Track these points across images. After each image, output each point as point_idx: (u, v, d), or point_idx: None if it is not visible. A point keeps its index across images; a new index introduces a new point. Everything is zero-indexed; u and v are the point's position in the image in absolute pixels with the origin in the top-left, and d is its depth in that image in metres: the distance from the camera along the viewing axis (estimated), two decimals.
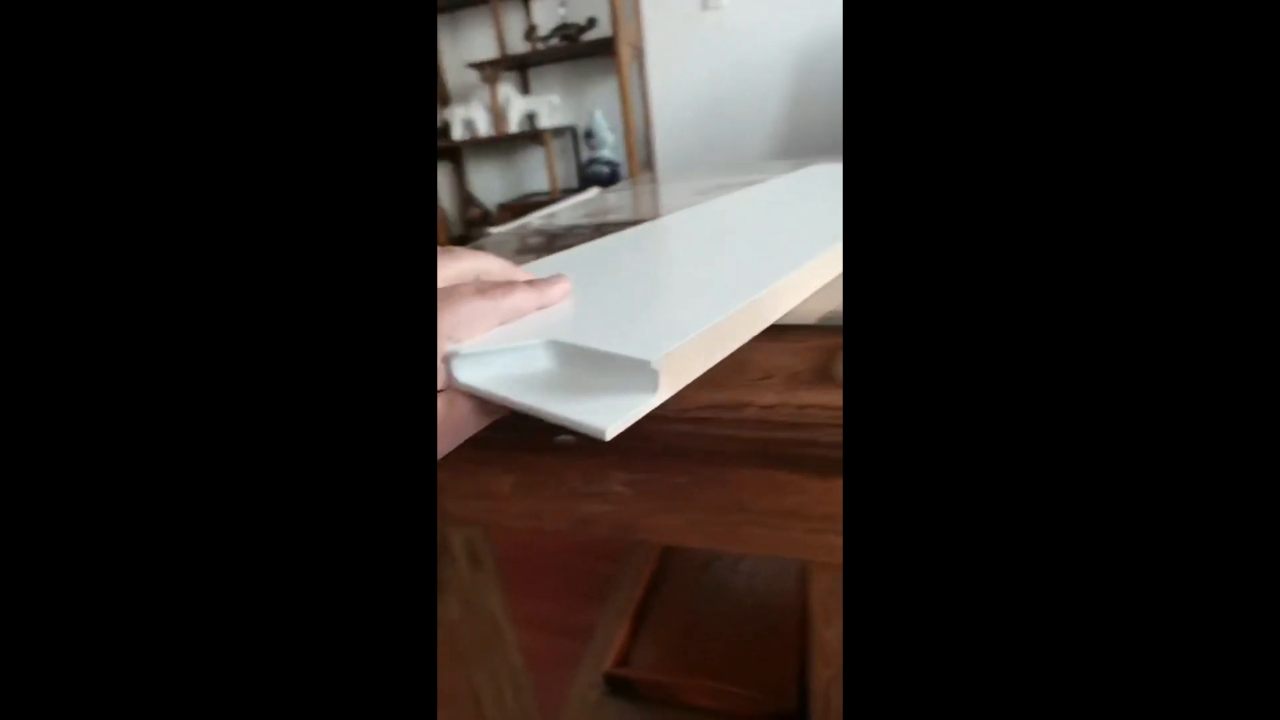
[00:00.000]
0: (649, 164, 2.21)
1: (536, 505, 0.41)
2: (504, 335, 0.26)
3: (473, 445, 0.36)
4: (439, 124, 2.33)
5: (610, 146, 2.18)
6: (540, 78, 2.29)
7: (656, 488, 0.37)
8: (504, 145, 2.36)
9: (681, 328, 0.22)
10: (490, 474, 0.41)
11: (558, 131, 2.23)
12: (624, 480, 0.37)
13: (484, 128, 2.22)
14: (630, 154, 2.15)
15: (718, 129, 2.07)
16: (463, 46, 2.30)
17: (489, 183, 2.48)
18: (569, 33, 2.07)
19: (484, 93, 2.23)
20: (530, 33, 2.13)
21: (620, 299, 0.28)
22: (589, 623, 0.88)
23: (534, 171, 2.40)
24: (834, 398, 0.30)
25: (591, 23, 2.08)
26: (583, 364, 0.23)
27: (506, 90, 2.20)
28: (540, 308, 0.28)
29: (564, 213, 0.77)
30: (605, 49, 2.03)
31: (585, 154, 2.26)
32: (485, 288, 0.26)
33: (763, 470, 0.33)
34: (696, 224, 0.43)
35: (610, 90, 2.19)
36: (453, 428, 0.25)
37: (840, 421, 0.30)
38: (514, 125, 2.18)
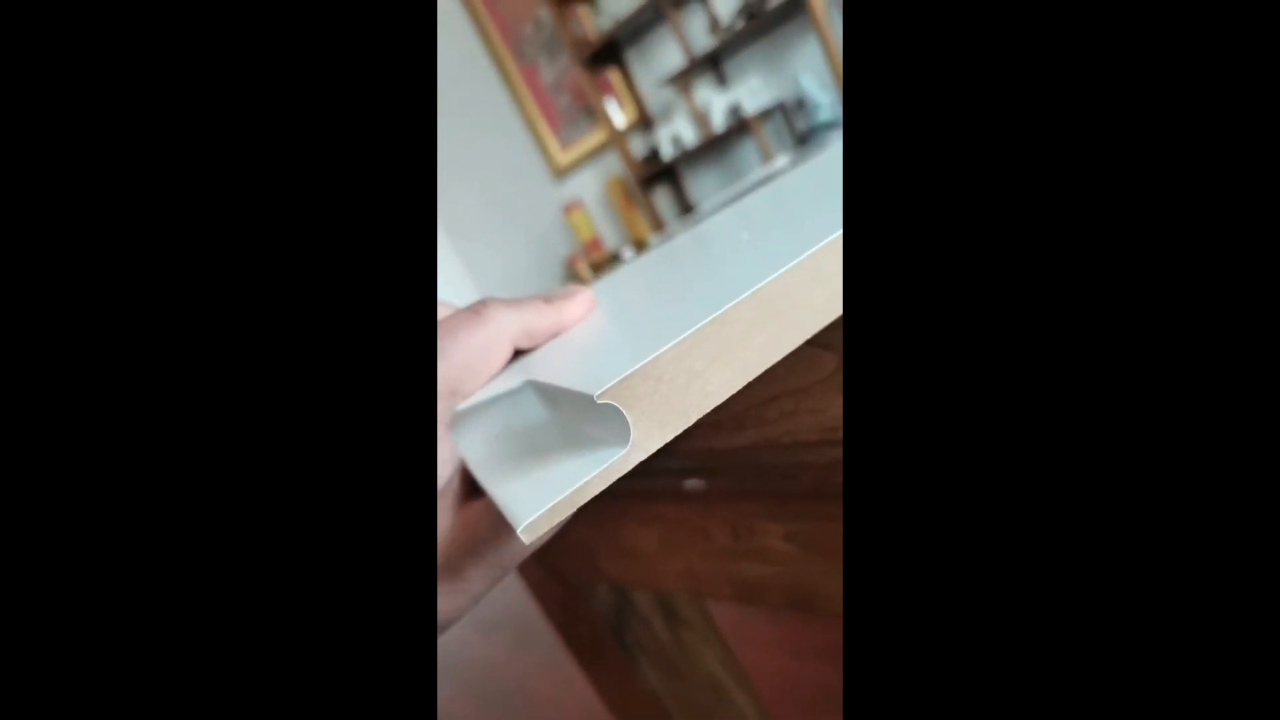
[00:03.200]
0: None
1: (689, 565, 0.32)
2: (506, 376, 0.19)
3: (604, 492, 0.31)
4: (648, 150, 2.40)
5: (827, 106, 1.97)
6: (737, 66, 2.20)
7: (828, 542, 0.25)
8: (715, 147, 2.32)
9: (656, 340, 0.13)
10: (630, 526, 0.34)
11: (765, 114, 2.11)
12: (781, 533, 0.27)
13: (690, 138, 2.22)
14: None
15: None
16: (655, 66, 2.34)
17: (709, 189, 2.46)
18: (754, 8, 1.94)
19: (684, 104, 2.24)
20: (714, 25, 2.06)
21: (634, 316, 0.19)
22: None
23: (751, 162, 2.30)
24: None
25: None
26: (566, 411, 0.15)
27: (704, 93, 2.17)
28: (558, 329, 0.21)
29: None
30: (798, 7, 1.85)
31: (801, 124, 2.09)
32: (481, 309, 0.20)
33: None
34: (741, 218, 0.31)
35: (813, 49, 1.99)
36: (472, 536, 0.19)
37: None
38: (719, 124, 2.13)
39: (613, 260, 2.57)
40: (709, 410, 0.14)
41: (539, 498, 0.13)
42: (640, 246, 2.53)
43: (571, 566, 0.41)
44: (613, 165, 2.58)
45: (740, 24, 1.98)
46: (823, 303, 0.16)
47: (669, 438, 0.13)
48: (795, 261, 0.15)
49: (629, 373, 0.12)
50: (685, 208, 2.48)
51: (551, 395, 0.16)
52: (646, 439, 0.13)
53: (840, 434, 0.22)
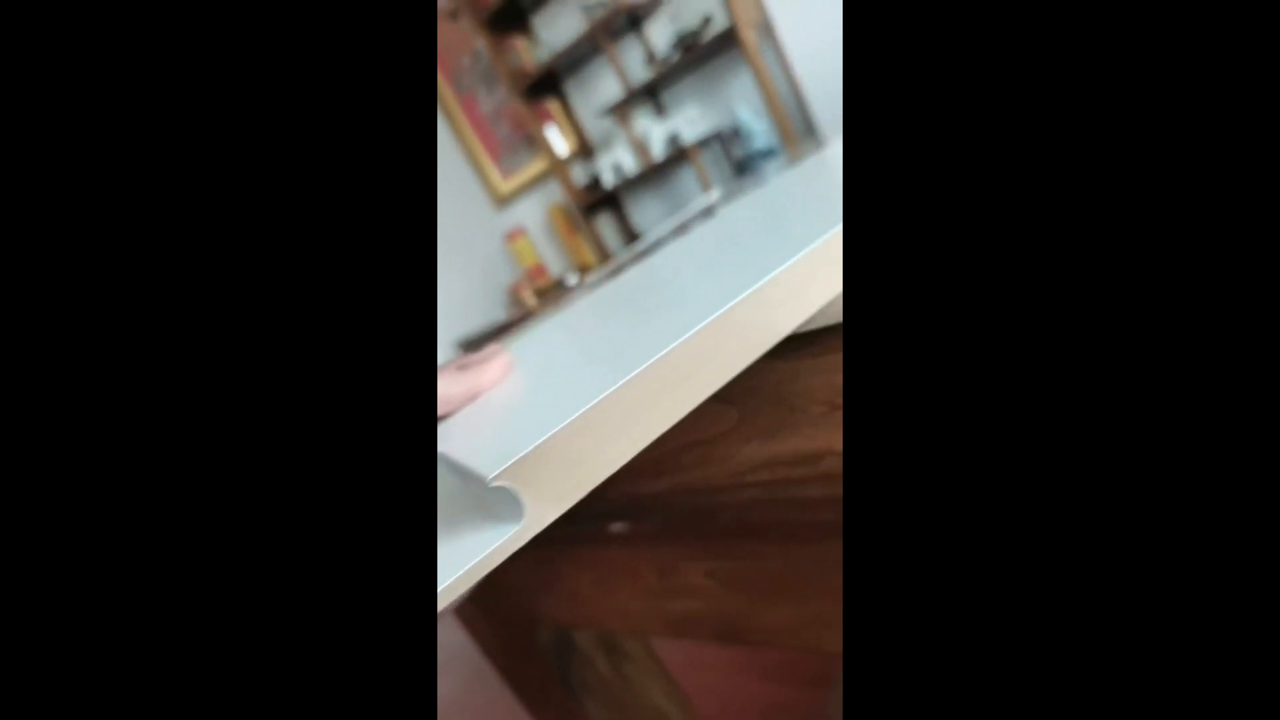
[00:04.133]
0: (810, 130, 2.02)
1: (623, 604, 0.33)
2: None
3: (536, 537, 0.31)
4: (589, 178, 2.43)
5: (761, 135, 2.05)
6: (674, 96, 2.27)
7: (745, 577, 0.27)
8: (655, 175, 2.37)
9: (545, 423, 0.14)
10: (565, 569, 0.34)
11: (703, 143, 2.17)
12: (702, 571, 0.28)
13: (631, 167, 2.26)
14: (785, 131, 1.99)
15: None
16: (594, 97, 2.39)
17: (652, 216, 2.50)
18: (687, 41, 2.01)
19: (623, 133, 2.28)
20: (650, 57, 2.12)
21: (540, 388, 0.20)
22: (835, 671, 0.76)
23: (691, 189, 2.36)
24: None
25: (706, 21, 2.00)
26: (469, 482, 0.16)
27: (643, 122, 2.22)
28: (473, 396, 0.21)
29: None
30: (729, 41, 1.93)
31: (738, 152, 2.16)
32: (443, 370, 0.20)
33: None
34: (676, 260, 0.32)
35: (747, 80, 2.07)
36: None
37: None
38: (658, 153, 2.18)
39: (557, 286, 2.58)
40: (603, 480, 0.15)
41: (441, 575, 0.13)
42: (585, 271, 2.55)
43: (512, 609, 0.41)
44: (554, 193, 2.59)
45: (676, 56, 2.04)
46: (726, 361, 0.17)
47: (565, 508, 0.14)
48: (690, 332, 0.15)
49: (519, 457, 0.13)
50: (629, 234, 2.52)
51: (456, 469, 0.17)
52: (541, 514, 0.14)
53: (746, 479, 0.23)
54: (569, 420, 0.14)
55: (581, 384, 0.16)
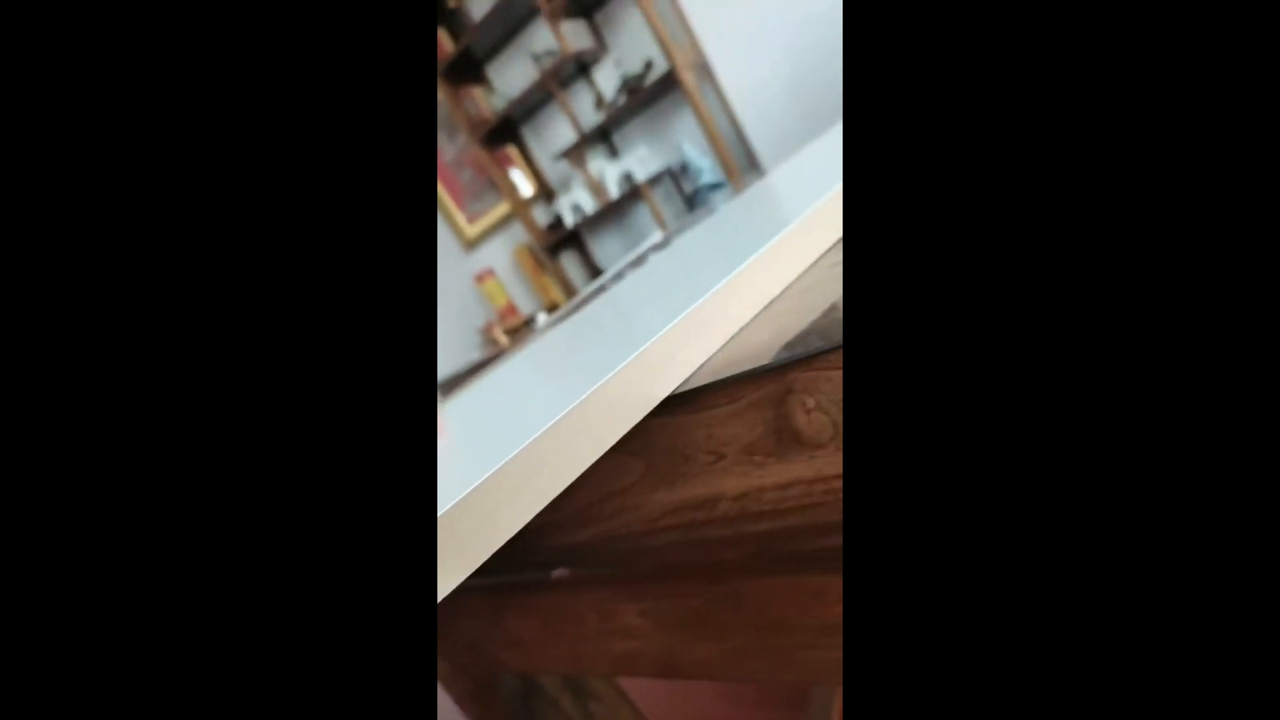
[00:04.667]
0: (752, 163, 2.10)
1: (573, 648, 0.35)
2: None
3: (481, 587, 0.32)
4: (551, 218, 2.48)
5: (708, 170, 2.13)
6: (624, 137, 2.34)
7: (673, 615, 0.29)
8: (613, 212, 2.43)
9: (449, 489, 0.16)
10: (512, 618, 0.36)
11: (654, 180, 2.24)
12: (636, 611, 0.30)
13: (589, 206, 2.31)
14: (728, 166, 2.07)
15: (811, 96, 1.91)
16: (549, 141, 2.45)
17: (612, 251, 2.56)
18: (632, 85, 2.09)
19: (580, 175, 2.34)
20: (599, 101, 2.19)
21: (452, 453, 0.22)
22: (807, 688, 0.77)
23: (647, 224, 2.42)
24: (811, 467, 0.20)
25: (649, 65, 2.08)
26: None
27: (598, 163, 2.28)
28: None
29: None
30: (670, 83, 2.01)
31: (687, 188, 2.23)
32: None
33: (780, 578, 0.24)
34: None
35: (689, 119, 2.15)
36: None
37: (839, 499, 0.20)
38: (614, 191, 2.24)
39: (527, 324, 2.60)
40: (507, 540, 0.17)
41: None
42: (553, 309, 2.58)
43: (471, 660, 0.42)
44: (519, 234, 2.64)
45: (622, 99, 2.12)
46: (624, 414, 0.19)
47: (470, 570, 0.16)
48: (589, 391, 0.17)
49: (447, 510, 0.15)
50: (593, 270, 2.56)
51: None
52: (447, 578, 0.16)
53: (661, 524, 0.26)
54: (467, 492, 0.16)
55: (481, 451, 0.18)
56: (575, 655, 0.36)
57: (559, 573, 0.32)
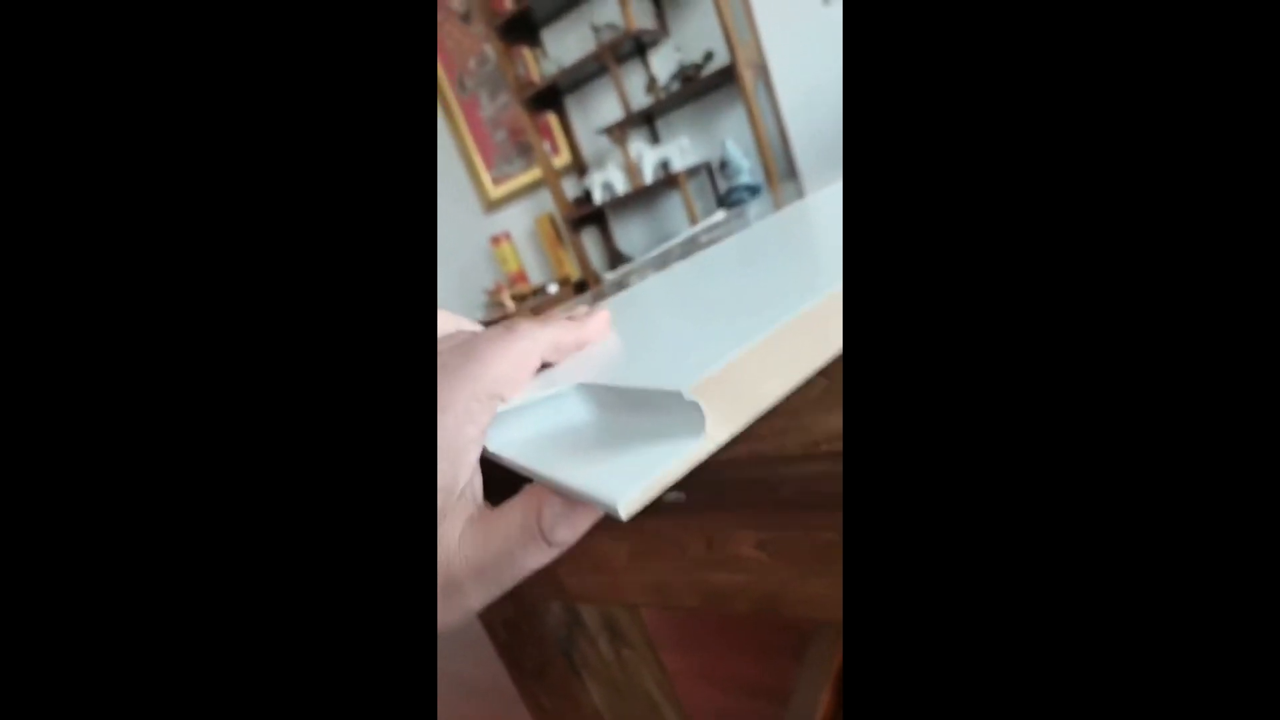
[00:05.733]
0: (791, 173, 2.10)
1: (659, 577, 0.34)
2: (539, 384, 0.21)
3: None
4: (580, 192, 2.47)
5: (747, 171, 2.13)
6: (668, 124, 2.33)
7: (796, 549, 0.28)
8: (643, 198, 2.42)
9: (723, 348, 0.15)
10: (602, 541, 0.35)
11: (692, 172, 2.23)
12: (755, 541, 0.29)
13: (621, 186, 2.30)
14: (769, 171, 2.07)
15: None
16: (592, 115, 2.43)
17: (634, 236, 2.55)
18: (688, 73, 2.08)
19: (617, 153, 2.33)
20: (651, 85, 2.18)
21: (668, 332, 0.22)
22: (786, 685, 0.77)
23: (675, 215, 2.42)
24: None
25: (709, 57, 2.07)
26: (624, 410, 0.17)
27: (638, 146, 2.27)
28: (580, 345, 0.23)
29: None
30: (727, 78, 2.00)
31: (723, 185, 2.23)
32: (514, 325, 0.21)
33: None
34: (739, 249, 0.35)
35: (739, 116, 2.15)
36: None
37: None
38: (649, 177, 2.23)
39: (537, 293, 2.58)
40: (764, 412, 0.16)
41: (629, 481, 0.14)
42: (565, 284, 2.56)
43: (529, 584, 0.41)
44: (544, 203, 2.62)
45: (675, 86, 2.11)
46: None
47: (734, 433, 0.16)
48: (832, 289, 0.17)
49: (711, 373, 0.15)
50: (612, 252, 2.55)
51: (614, 396, 0.18)
52: (717, 431, 0.15)
53: (821, 449, 0.25)
54: (754, 343, 0.15)
55: (740, 325, 0.17)
56: (659, 586, 0.35)
57: (674, 495, 0.31)
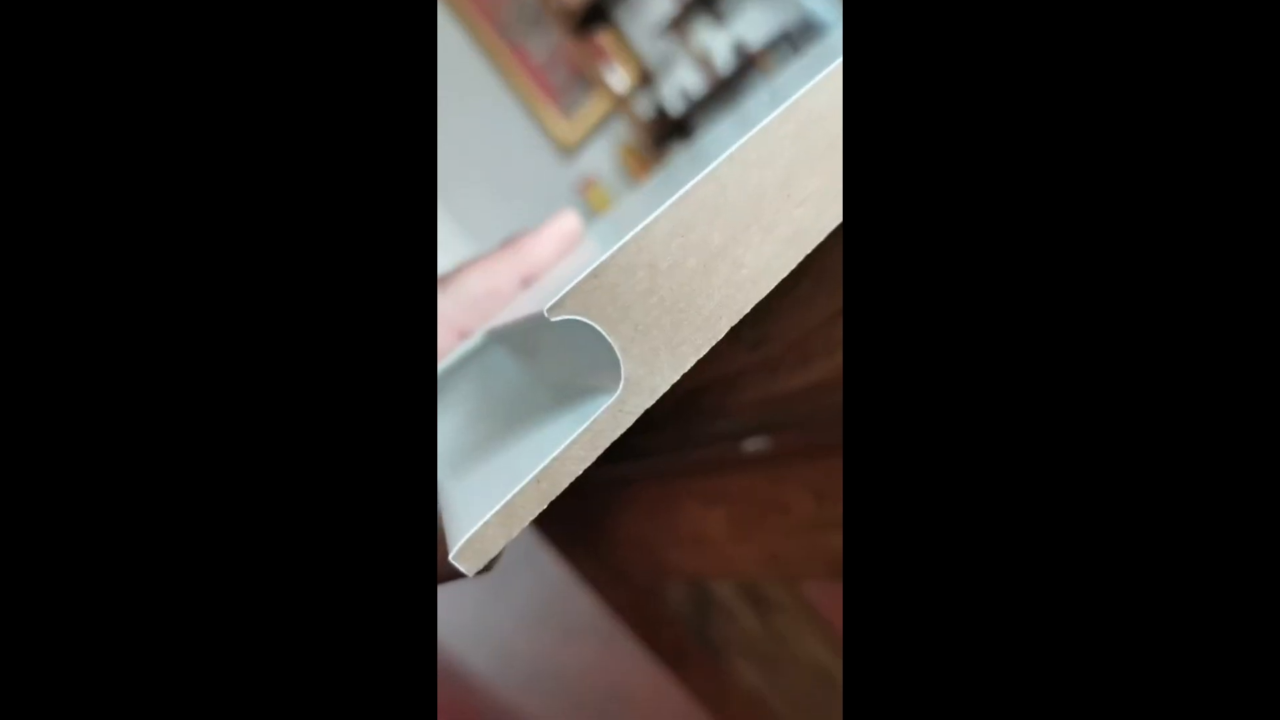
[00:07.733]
0: None
1: (769, 546, 0.26)
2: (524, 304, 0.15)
3: (650, 471, 0.27)
4: (655, 108, 2.30)
5: (836, 20, 1.83)
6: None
7: None
8: (727, 91, 2.20)
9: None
10: (690, 509, 0.28)
11: (772, 45, 1.98)
12: None
13: (697, 86, 2.11)
14: None
15: None
16: (646, 17, 2.23)
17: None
18: None
19: (683, 50, 2.12)
20: None
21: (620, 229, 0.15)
22: None
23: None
24: None
25: None
26: (544, 358, 0.13)
27: (702, 34, 2.05)
28: (526, 279, 0.18)
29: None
30: None
31: (813, 48, 1.95)
32: (486, 257, 0.19)
33: None
34: None
35: None
36: None
37: None
38: (724, 65, 2.01)
39: None
40: (749, 308, 0.08)
41: (470, 513, 0.09)
42: None
43: (634, 565, 0.36)
44: (622, 132, 2.49)
45: None
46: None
47: (690, 360, 0.08)
48: (824, 74, 0.11)
49: (595, 265, 0.07)
50: None
51: (509, 337, 0.12)
52: (647, 370, 0.08)
53: None
54: (669, 203, 0.08)
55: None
56: (772, 557, 0.28)
57: (754, 443, 0.23)
